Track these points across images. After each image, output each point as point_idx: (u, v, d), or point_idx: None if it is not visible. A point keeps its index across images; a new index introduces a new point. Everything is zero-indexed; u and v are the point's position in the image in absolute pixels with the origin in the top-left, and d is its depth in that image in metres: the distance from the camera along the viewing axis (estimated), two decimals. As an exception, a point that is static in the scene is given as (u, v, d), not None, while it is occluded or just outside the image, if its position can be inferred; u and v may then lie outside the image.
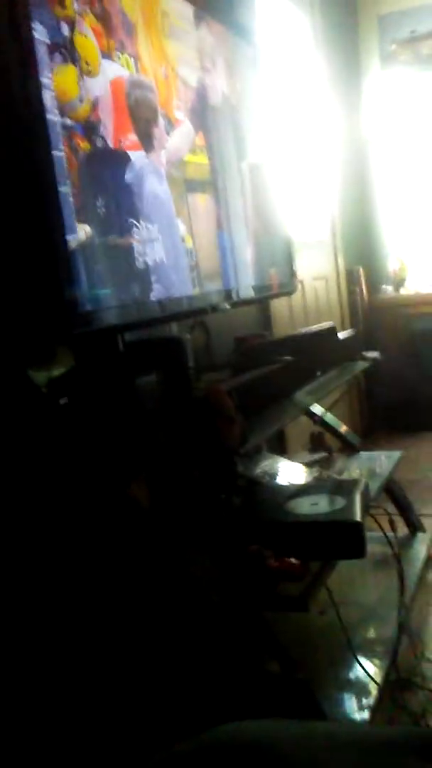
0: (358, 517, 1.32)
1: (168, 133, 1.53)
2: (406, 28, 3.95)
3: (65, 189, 1.13)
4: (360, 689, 1.57)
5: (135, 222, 1.35)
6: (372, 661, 1.65)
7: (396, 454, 2.27)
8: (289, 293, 2.35)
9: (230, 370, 1.70)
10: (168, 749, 0.60)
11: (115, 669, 1.17)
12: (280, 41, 3.11)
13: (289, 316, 2.93)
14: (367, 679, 1.57)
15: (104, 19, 1.29)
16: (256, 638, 1.33)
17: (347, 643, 1.55)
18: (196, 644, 1.24)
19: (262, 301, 2.53)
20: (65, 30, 1.16)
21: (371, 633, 1.78)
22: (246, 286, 1.91)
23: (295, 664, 1.35)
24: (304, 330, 2.24)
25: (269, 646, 1.34)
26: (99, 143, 1.25)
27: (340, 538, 1.32)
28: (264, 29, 2.75)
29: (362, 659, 1.60)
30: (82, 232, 1.16)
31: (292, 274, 2.27)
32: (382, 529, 1.66)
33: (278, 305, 2.77)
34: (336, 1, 3.74)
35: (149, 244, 1.40)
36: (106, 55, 1.29)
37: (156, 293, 1.41)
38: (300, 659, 1.41)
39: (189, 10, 1.70)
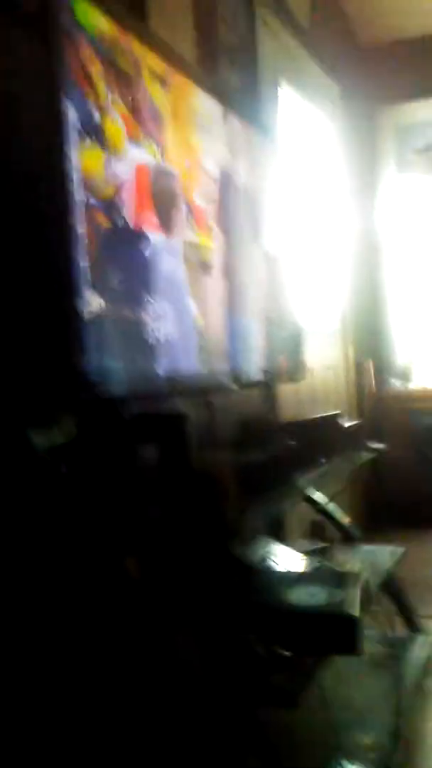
0: (356, 611, 1.28)
1: (187, 219, 1.59)
2: (423, 139, 4.15)
3: (83, 262, 1.17)
4: (349, 799, 1.48)
5: (149, 298, 1.38)
6: (362, 769, 1.56)
7: (398, 550, 2.22)
8: (296, 380, 2.37)
9: (234, 450, 1.69)
10: None
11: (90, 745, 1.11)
12: (303, 140, 3.26)
13: (296, 402, 2.94)
14: (357, 789, 1.49)
15: (134, 109, 1.36)
16: (239, 731, 1.27)
17: (336, 745, 1.47)
18: (177, 729, 1.18)
19: (269, 385, 2.55)
20: (96, 116, 1.23)
21: (362, 738, 1.69)
22: (254, 369, 1.93)
23: (279, 763, 1.28)
24: (309, 416, 2.25)
25: (253, 741, 1.28)
26: (119, 222, 1.30)
27: (336, 632, 1.28)
28: (288, 128, 2.90)
29: (350, 765, 1.52)
30: (95, 304, 1.19)
31: (301, 361, 2.30)
32: (380, 627, 1.61)
33: (286, 390, 2.79)
34: (357, 108, 3.95)
35: (161, 320, 1.43)
36: (134, 141, 1.35)
37: (164, 369, 1.43)
38: (284, 759, 1.33)
39: (217, 109, 1.80)
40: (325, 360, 3.39)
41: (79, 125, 1.17)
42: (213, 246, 1.72)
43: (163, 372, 1.42)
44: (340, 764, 1.50)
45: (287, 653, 1.36)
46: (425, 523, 3.79)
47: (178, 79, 1.57)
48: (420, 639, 2.30)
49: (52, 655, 1.14)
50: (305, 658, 1.39)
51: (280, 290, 2.15)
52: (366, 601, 1.40)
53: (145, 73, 1.42)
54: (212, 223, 1.72)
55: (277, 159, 2.19)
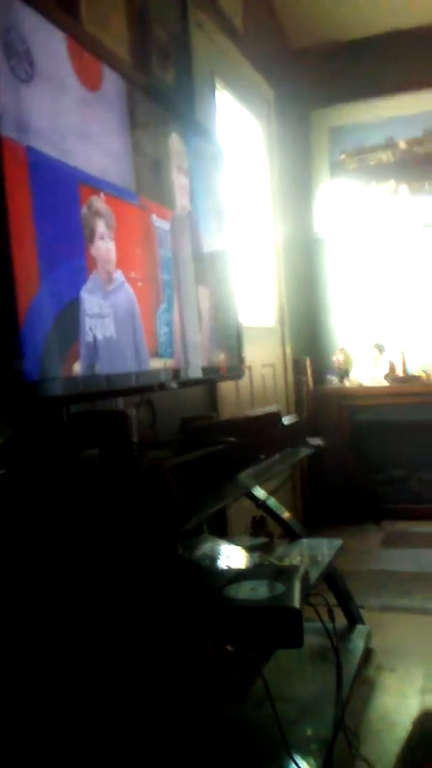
0: (297, 604, 1.30)
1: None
2: (355, 141, 4.24)
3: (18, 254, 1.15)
4: (294, 789, 1.49)
5: (87, 296, 1.37)
6: (307, 759, 1.58)
7: (337, 543, 2.26)
8: (236, 377, 2.39)
9: (174, 448, 1.69)
10: None
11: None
12: (237, 144, 3.29)
13: (236, 400, 2.96)
14: (302, 779, 1.51)
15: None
16: (188, 727, 1.27)
17: (282, 739, 1.49)
18: (125, 726, 1.18)
19: (209, 383, 2.56)
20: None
21: (307, 729, 1.71)
22: (195, 367, 1.93)
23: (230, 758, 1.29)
24: (249, 413, 2.27)
25: (201, 736, 1.28)
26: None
27: (278, 626, 1.29)
28: (222, 130, 2.92)
29: (297, 757, 1.54)
30: (33, 303, 1.17)
31: (241, 359, 2.32)
32: (321, 619, 1.63)
33: (226, 388, 2.81)
34: (291, 111, 4.00)
35: (100, 319, 1.41)
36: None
37: (103, 368, 1.41)
38: (232, 754, 1.34)
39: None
40: (263, 357, 3.43)
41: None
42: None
43: (101, 370, 1.41)
44: (289, 758, 1.52)
45: (232, 649, 1.37)
46: (362, 517, 3.88)
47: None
48: (359, 629, 2.36)
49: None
50: (250, 652, 1.40)
51: (219, 288, 2.16)
52: (306, 593, 1.43)
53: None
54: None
55: (214, 158, 2.20)
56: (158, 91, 1.94)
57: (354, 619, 2.39)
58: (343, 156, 4.26)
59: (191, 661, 1.30)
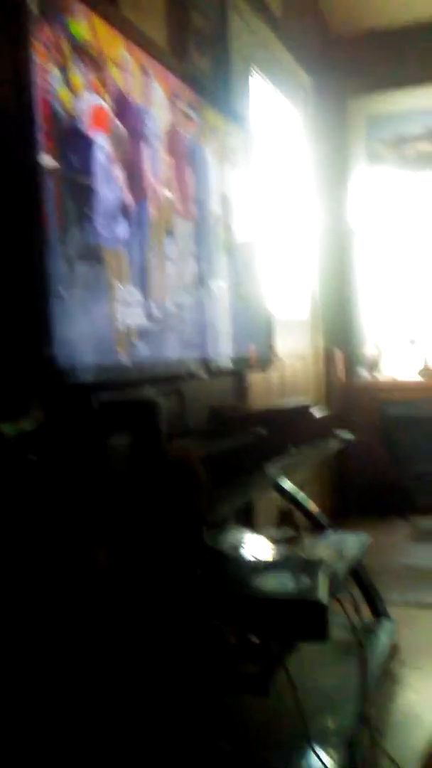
0: (323, 598, 1.29)
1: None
2: (393, 131, 4.17)
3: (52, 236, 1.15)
4: (315, 782, 1.49)
5: (119, 285, 1.37)
6: (328, 752, 1.58)
7: (365, 538, 2.24)
8: (266, 368, 2.38)
9: (204, 438, 1.69)
10: None
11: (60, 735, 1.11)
12: (274, 129, 3.26)
13: (266, 391, 2.95)
14: (323, 771, 1.50)
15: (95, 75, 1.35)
16: (210, 716, 1.28)
17: (304, 730, 1.49)
18: (149, 717, 1.19)
19: (239, 373, 2.55)
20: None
21: (329, 722, 1.71)
22: (224, 357, 1.93)
23: (251, 749, 1.29)
24: (279, 405, 2.26)
25: (224, 726, 1.29)
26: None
27: (304, 619, 1.29)
28: (259, 117, 2.90)
29: (318, 749, 1.53)
30: (65, 289, 1.18)
31: (271, 349, 2.31)
32: (347, 613, 1.62)
33: (256, 379, 2.80)
34: (328, 100, 3.95)
35: (131, 307, 1.41)
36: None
37: (134, 356, 1.42)
38: (253, 742, 1.34)
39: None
40: (294, 349, 3.41)
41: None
42: (178, 224, 1.71)
43: (132, 358, 1.41)
44: (310, 749, 1.52)
45: (257, 640, 1.37)
46: (391, 512, 3.84)
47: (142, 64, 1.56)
48: (385, 625, 2.34)
49: (18, 641, 1.13)
50: (274, 644, 1.40)
51: (250, 278, 2.15)
52: (334, 588, 1.42)
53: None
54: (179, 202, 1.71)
55: (248, 146, 2.18)
56: (194, 78, 1.93)
57: (380, 614, 2.38)
58: (380, 146, 4.20)
59: (214, 651, 1.31)
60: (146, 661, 1.21)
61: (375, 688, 1.90)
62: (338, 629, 1.60)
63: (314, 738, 1.55)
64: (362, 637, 1.65)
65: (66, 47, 1.25)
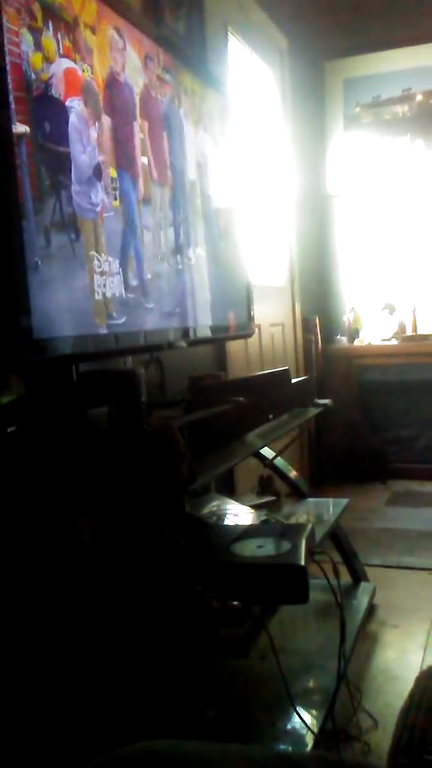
0: (302, 561, 1.31)
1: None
2: (370, 93, 4.13)
3: (26, 206, 1.13)
4: (296, 739, 1.54)
5: (96, 255, 1.36)
6: (309, 711, 1.62)
7: (343, 502, 2.28)
8: (245, 336, 2.38)
9: (183, 407, 1.70)
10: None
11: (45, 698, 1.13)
12: (250, 94, 3.21)
13: (245, 359, 2.96)
14: (304, 729, 1.55)
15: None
16: (194, 681, 1.30)
17: (285, 691, 1.53)
18: (132, 683, 1.21)
19: (218, 342, 2.55)
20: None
21: (310, 682, 1.76)
22: (203, 326, 1.92)
23: (232, 710, 1.33)
24: (258, 372, 2.27)
25: (207, 690, 1.32)
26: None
27: (284, 582, 1.31)
28: (234, 80, 2.85)
29: (300, 708, 1.58)
30: (41, 266, 1.16)
31: (250, 318, 2.31)
32: (326, 576, 1.65)
33: (235, 347, 2.80)
34: (304, 62, 3.89)
35: (109, 277, 1.40)
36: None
37: (112, 326, 1.41)
38: (237, 705, 1.37)
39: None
40: (273, 317, 3.41)
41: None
42: (154, 189, 1.69)
43: (110, 329, 1.40)
44: (292, 709, 1.56)
45: (237, 603, 1.39)
46: (369, 476, 3.90)
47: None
48: (364, 586, 2.40)
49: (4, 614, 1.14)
50: (254, 607, 1.42)
51: (228, 246, 2.14)
52: (312, 551, 1.44)
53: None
54: (154, 168, 1.69)
55: (225, 110, 2.15)
56: (170, 42, 1.89)
57: (358, 576, 2.43)
58: (357, 109, 4.15)
59: (196, 616, 1.33)
60: (129, 627, 1.23)
61: (354, 648, 1.95)
62: (318, 591, 1.63)
63: (295, 696, 1.59)
64: (341, 599, 1.69)
65: (37, 10, 1.21)
